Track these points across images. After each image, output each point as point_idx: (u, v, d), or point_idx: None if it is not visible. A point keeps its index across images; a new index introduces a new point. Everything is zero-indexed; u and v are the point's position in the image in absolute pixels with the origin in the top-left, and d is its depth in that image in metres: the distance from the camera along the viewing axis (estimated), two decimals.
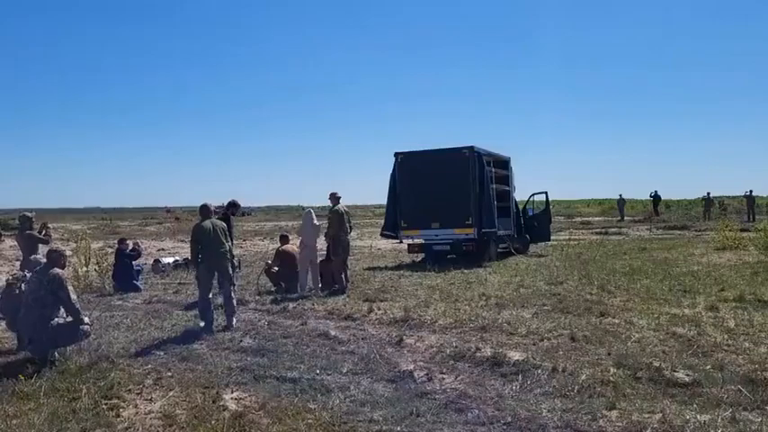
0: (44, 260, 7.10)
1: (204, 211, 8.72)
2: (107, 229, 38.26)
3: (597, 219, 42.60)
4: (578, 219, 43.20)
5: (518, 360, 6.18)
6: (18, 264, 12.72)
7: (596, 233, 28.28)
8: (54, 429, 4.75)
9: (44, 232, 10.56)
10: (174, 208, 71.08)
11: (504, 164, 18.30)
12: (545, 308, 9.08)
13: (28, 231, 10.29)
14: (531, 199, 20.22)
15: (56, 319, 6.60)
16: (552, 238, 20.94)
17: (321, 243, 12.44)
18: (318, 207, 12.72)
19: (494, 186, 16.28)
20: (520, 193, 19.30)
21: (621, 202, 41.23)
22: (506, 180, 18.20)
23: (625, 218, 39.56)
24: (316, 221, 11.67)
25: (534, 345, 6.92)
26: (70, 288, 6.67)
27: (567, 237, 24.95)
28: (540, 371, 5.81)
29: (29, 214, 10.54)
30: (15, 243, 10.72)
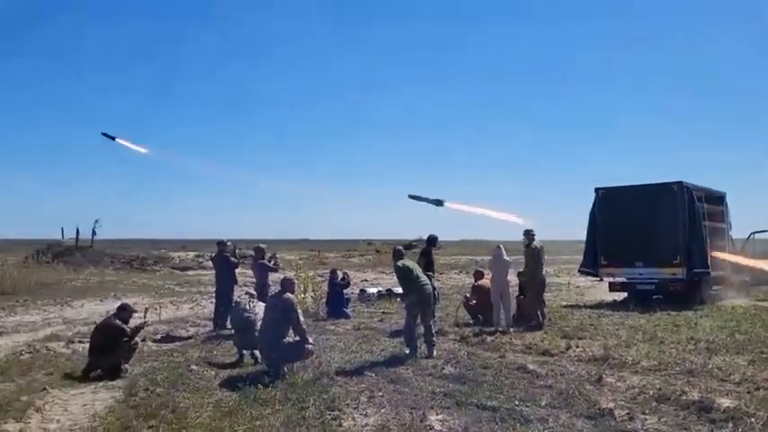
0: (275, 286, 8.29)
1: (397, 254, 9.40)
2: (316, 260, 41.58)
3: None
4: None
5: (729, 407, 5.90)
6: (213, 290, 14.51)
7: None
8: None
9: (273, 261, 12.11)
10: (374, 240, 75.04)
11: (718, 199, 17.03)
12: (764, 355, 8.40)
13: (261, 261, 11.89)
14: (752, 238, 18.46)
15: (287, 338, 7.66)
16: None
17: (513, 278, 12.65)
18: (509, 242, 12.92)
19: (706, 223, 15.25)
20: (738, 231, 17.76)
21: None
22: (721, 216, 16.90)
23: None
24: (506, 257, 11.92)
25: (748, 393, 6.51)
26: (299, 311, 7.71)
27: None
28: (753, 419, 5.51)
29: (262, 246, 12.20)
30: (232, 270, 12.40)
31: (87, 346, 9.39)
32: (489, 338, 10.30)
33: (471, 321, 12.32)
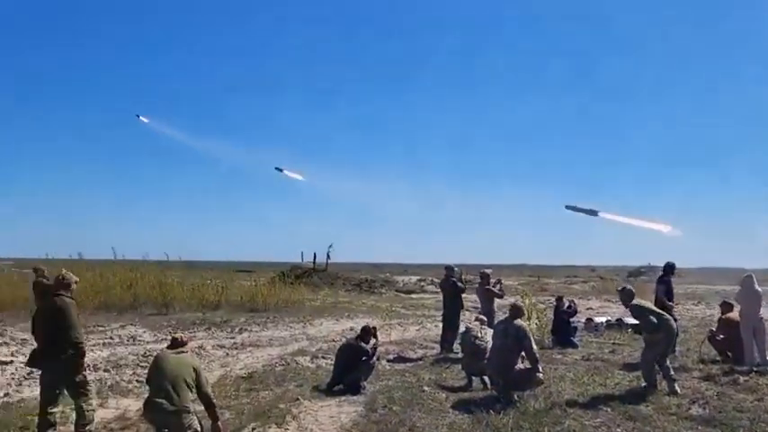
0: (500, 312, 8.31)
1: (628, 294, 8.77)
2: (536, 286, 40.69)
3: None
4: None
5: None
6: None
7: None
8: None
9: (498, 287, 12.18)
10: (597, 267, 71.41)
11: None
12: None
13: (486, 286, 12.02)
14: None
15: (517, 365, 7.63)
16: None
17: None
18: (760, 270, 11.46)
19: None
20: None
21: None
22: None
23: None
24: (758, 287, 10.61)
25: None
26: (532, 338, 7.66)
27: None
28: None
29: (488, 271, 12.36)
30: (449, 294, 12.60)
31: (330, 361, 10.29)
32: (742, 378, 9.21)
33: (718, 358, 11.12)
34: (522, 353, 7.70)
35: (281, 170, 26.36)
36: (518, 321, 7.74)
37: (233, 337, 14.70)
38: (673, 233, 14.77)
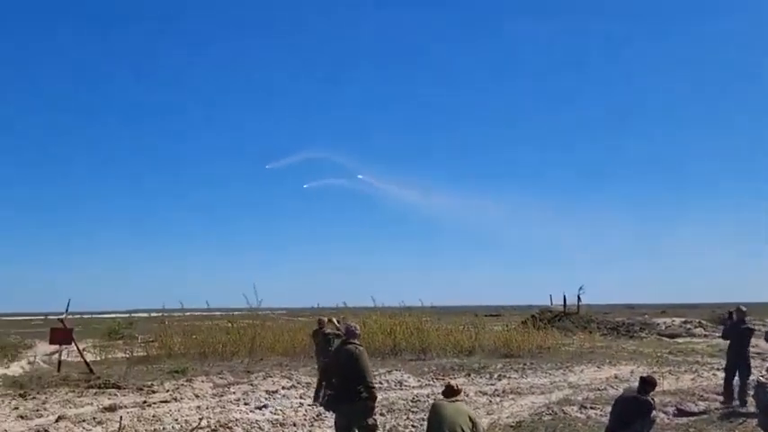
0: None
1: None
2: None
3: None
4: None
5: None
6: None
7: None
8: None
9: None
10: None
11: None
12: None
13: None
14: None
15: None
16: None
17: None
18: None
19: None
20: None
21: None
22: None
23: None
24: None
25: None
26: None
27: None
28: None
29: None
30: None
31: (600, 411, 9.78)
32: None
33: None
34: None
35: None
36: None
37: (492, 384, 14.73)
38: None
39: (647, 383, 7.75)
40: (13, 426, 9.93)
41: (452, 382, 7.22)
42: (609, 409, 8.57)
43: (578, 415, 10.50)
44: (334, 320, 13.00)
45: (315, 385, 12.53)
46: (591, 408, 10.86)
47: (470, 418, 6.24)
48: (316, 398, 12.30)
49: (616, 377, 15.08)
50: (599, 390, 13.09)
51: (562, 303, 33.39)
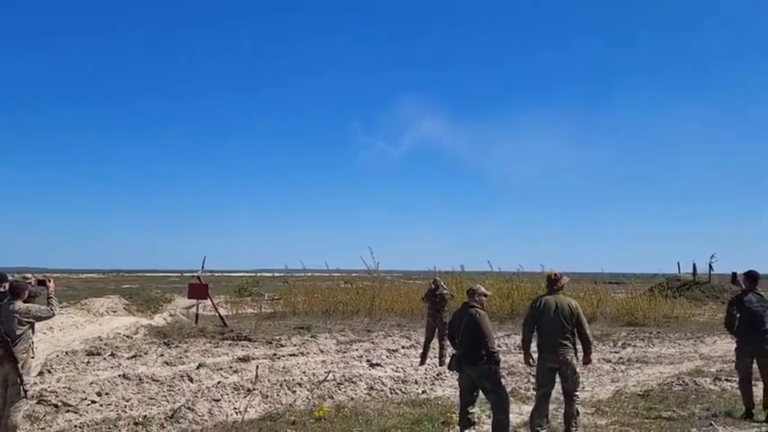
0: None
1: None
2: None
3: None
4: None
5: None
6: None
7: None
8: None
9: None
10: None
11: None
12: None
13: None
14: None
15: None
16: None
17: None
18: None
19: None
20: None
21: None
22: None
23: None
24: None
25: None
26: None
27: None
28: None
29: None
30: None
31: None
32: None
33: None
34: None
35: None
36: None
37: (617, 352, 14.29)
38: None
39: None
40: (160, 371, 10.89)
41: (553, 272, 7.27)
42: None
43: (712, 387, 9.97)
44: (441, 283, 13.03)
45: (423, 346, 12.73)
46: (726, 380, 10.27)
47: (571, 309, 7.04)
48: (422, 358, 12.49)
49: None
50: (732, 361, 12.31)
51: (691, 272, 31.48)
